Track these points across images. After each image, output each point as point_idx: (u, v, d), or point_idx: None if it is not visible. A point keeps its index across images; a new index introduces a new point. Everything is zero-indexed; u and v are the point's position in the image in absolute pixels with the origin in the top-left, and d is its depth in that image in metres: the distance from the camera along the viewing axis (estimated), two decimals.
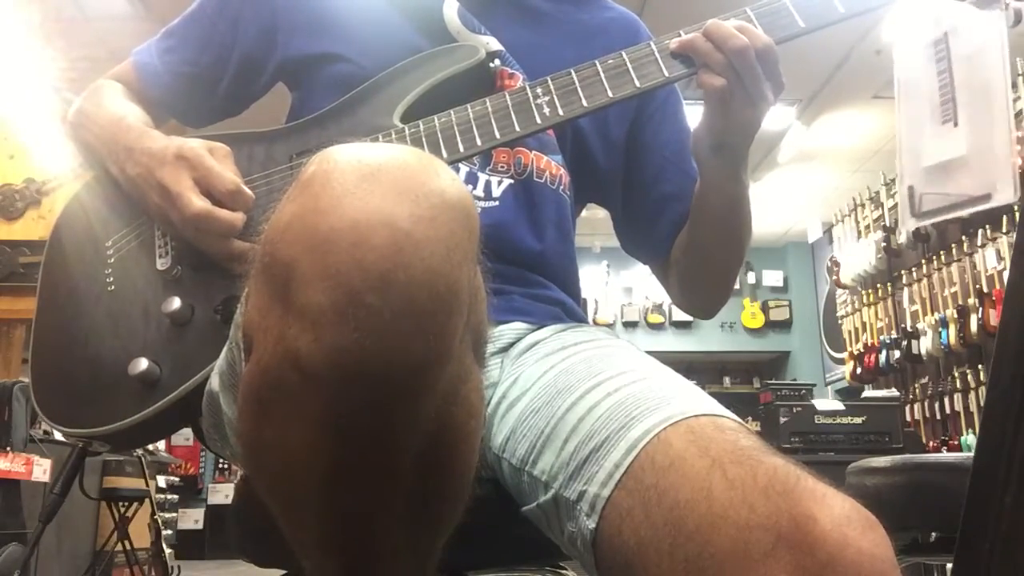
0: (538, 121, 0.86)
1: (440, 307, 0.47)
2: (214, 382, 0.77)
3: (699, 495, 0.55)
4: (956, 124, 1.04)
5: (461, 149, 0.85)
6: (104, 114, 1.00)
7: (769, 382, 4.99)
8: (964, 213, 1.04)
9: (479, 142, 0.85)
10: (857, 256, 6.61)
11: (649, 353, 0.80)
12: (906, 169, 1.11)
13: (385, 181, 0.48)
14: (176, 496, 6.54)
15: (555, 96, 0.86)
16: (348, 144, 0.51)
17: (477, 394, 0.55)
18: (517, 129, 0.85)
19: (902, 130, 1.12)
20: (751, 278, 8.84)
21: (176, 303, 0.86)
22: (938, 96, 1.07)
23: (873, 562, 0.50)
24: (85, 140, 1.01)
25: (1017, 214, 4.38)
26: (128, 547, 4.00)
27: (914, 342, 5.77)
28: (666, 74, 0.87)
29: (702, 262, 1.01)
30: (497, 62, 0.96)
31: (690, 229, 1.00)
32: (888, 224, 6.19)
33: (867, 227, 6.60)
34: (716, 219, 0.96)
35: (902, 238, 5.92)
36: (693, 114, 1.12)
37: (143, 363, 0.84)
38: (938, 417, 5.54)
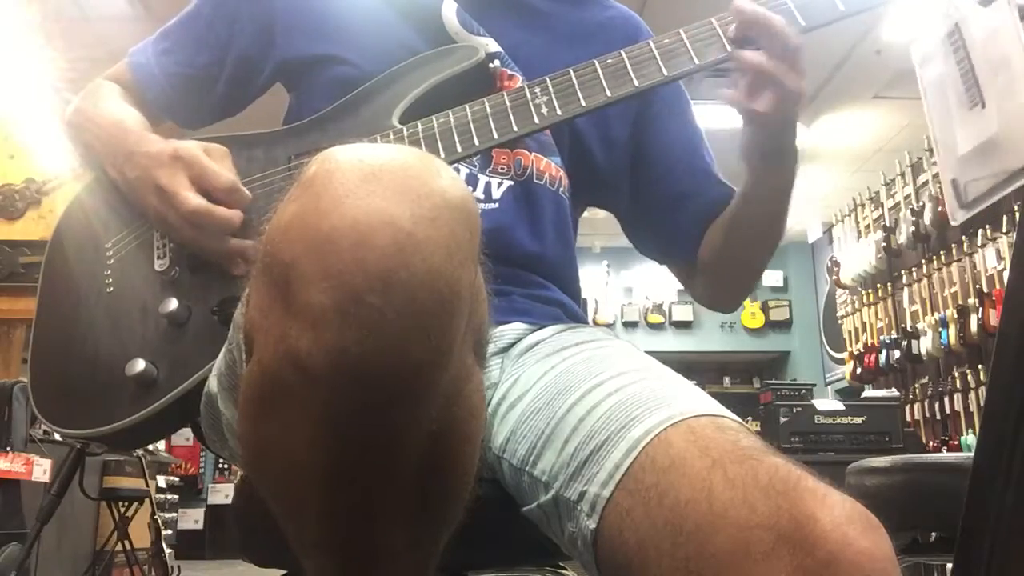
0: (536, 121, 0.85)
1: (442, 307, 0.47)
2: (212, 384, 0.77)
3: (700, 495, 0.55)
4: (983, 106, 1.04)
5: (459, 149, 0.85)
6: (102, 117, 1.00)
7: (769, 382, 5.00)
8: (1008, 190, 1.05)
9: (477, 142, 0.85)
10: (857, 256, 6.61)
11: (649, 353, 0.80)
12: (945, 164, 1.11)
13: (386, 181, 0.48)
14: (176, 496, 6.54)
15: (553, 96, 0.86)
16: (349, 144, 0.51)
17: (478, 394, 0.55)
18: (515, 129, 0.85)
19: (934, 128, 1.13)
20: None
21: (173, 304, 0.86)
22: (961, 84, 1.07)
23: (873, 562, 0.50)
24: (84, 141, 1.01)
25: (1017, 214, 4.37)
26: (128, 547, 4.00)
27: (914, 342, 5.77)
28: (665, 73, 0.86)
29: (742, 261, 1.01)
30: (497, 63, 0.96)
31: (732, 230, 0.99)
32: (888, 224, 6.19)
33: (867, 227, 6.60)
34: (765, 217, 0.96)
35: (902, 238, 5.92)
36: (700, 114, 1.12)
37: (140, 364, 0.84)
38: (938, 417, 5.53)
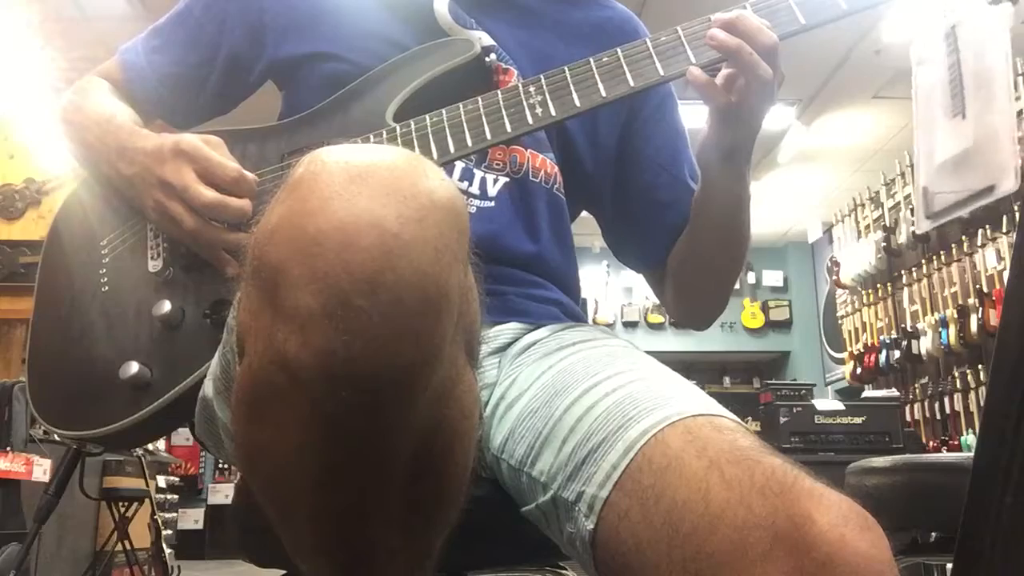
0: (530, 121, 0.84)
1: (429, 308, 0.47)
2: (208, 388, 0.76)
3: (696, 495, 0.55)
4: (964, 117, 1.03)
5: (452, 149, 0.84)
6: (93, 112, 0.99)
7: (769, 382, 4.98)
8: (971, 208, 1.04)
9: (470, 143, 0.84)
10: (857, 256, 6.61)
11: (649, 353, 0.80)
12: (921, 170, 1.10)
13: (373, 183, 0.48)
14: (176, 496, 6.54)
15: (548, 95, 0.84)
16: (337, 146, 0.51)
17: (470, 395, 0.55)
18: (508, 130, 0.84)
19: (919, 132, 1.12)
20: (751, 278, 8.84)
21: (167, 306, 0.86)
22: (948, 91, 1.06)
23: (870, 563, 0.50)
24: (76, 138, 1.00)
25: (1017, 214, 4.37)
26: (128, 547, 4.00)
27: (914, 342, 5.77)
28: (661, 73, 0.84)
29: (703, 269, 0.99)
30: (493, 56, 0.95)
31: (691, 236, 0.99)
32: (888, 224, 6.18)
33: (867, 227, 6.60)
34: (720, 222, 0.94)
35: (902, 238, 5.92)
36: (690, 114, 1.11)
37: (134, 366, 0.84)
38: (938, 417, 5.53)
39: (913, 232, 5.73)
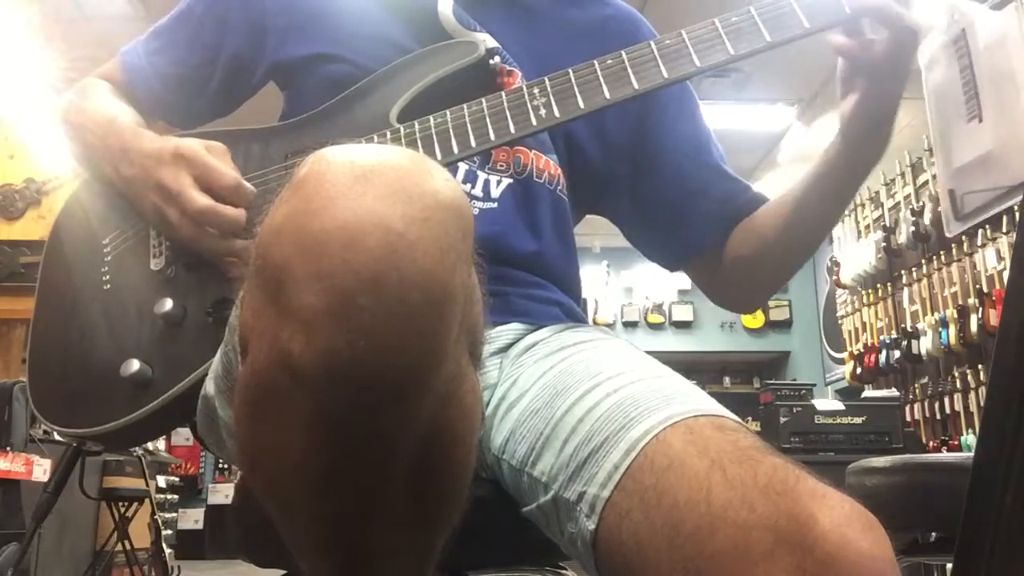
0: (533, 123, 0.84)
1: (433, 308, 0.46)
2: (209, 387, 0.76)
3: (698, 495, 0.55)
4: (981, 119, 1.03)
5: (455, 150, 0.84)
6: (94, 113, 0.99)
7: (769, 382, 4.99)
8: (1003, 207, 1.04)
9: (473, 143, 0.84)
10: (857, 256, 6.61)
11: (649, 353, 0.80)
12: (942, 173, 1.11)
13: (378, 182, 0.47)
14: (176, 496, 6.54)
15: (552, 97, 0.84)
16: (341, 145, 0.51)
17: (473, 395, 0.55)
18: (512, 131, 0.84)
19: (935, 135, 1.12)
20: None
21: (168, 304, 0.86)
22: (961, 94, 1.06)
23: (872, 563, 0.50)
24: (78, 139, 1.00)
25: (1017, 214, 4.37)
26: (128, 547, 4.00)
27: (914, 342, 5.76)
28: (665, 76, 0.85)
29: (799, 245, 0.98)
30: (497, 58, 0.95)
31: (798, 212, 0.95)
32: (888, 224, 6.19)
33: (867, 227, 6.60)
34: (844, 188, 0.93)
35: (902, 238, 5.92)
36: (706, 113, 1.11)
37: (135, 364, 0.84)
38: (938, 417, 5.53)
39: (913, 232, 5.73)
